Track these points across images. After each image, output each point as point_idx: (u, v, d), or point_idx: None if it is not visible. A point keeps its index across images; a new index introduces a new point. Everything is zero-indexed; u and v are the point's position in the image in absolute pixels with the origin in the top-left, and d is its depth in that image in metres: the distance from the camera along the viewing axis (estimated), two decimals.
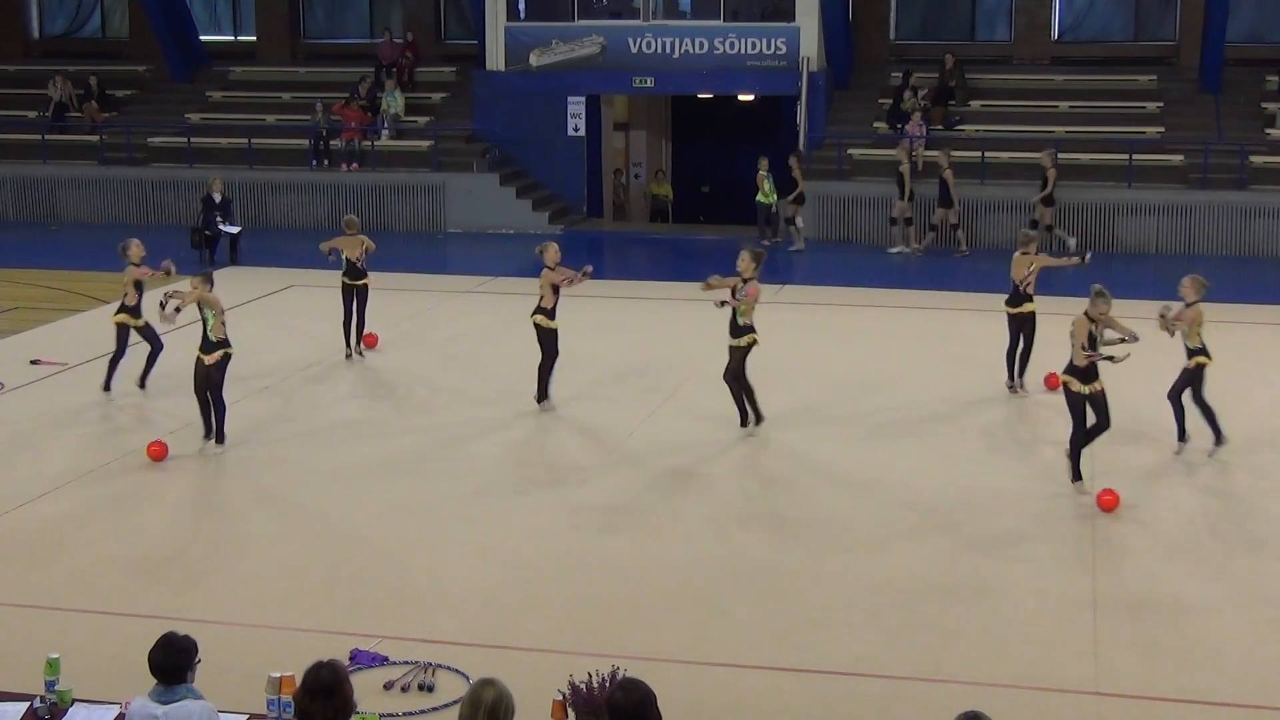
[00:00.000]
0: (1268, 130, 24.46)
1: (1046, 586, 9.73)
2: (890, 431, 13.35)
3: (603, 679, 6.50)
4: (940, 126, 25.12)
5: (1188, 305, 12.43)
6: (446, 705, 7.84)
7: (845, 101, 26.44)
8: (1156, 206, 23.46)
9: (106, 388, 14.32)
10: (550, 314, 13.68)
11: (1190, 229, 23.35)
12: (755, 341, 12.96)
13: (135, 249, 14.30)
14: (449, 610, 9.32)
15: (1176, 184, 23.90)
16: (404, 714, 7.80)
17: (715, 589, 9.71)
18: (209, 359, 12.37)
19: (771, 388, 14.70)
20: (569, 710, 6.53)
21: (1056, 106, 25.51)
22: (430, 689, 8.12)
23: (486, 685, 5.15)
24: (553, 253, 13.71)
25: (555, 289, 13.64)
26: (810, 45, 25.20)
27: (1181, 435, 12.58)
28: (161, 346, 14.33)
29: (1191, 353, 12.44)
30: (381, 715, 7.33)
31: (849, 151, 23.94)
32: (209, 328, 12.35)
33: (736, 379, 13.05)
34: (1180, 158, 24.11)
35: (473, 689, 5.18)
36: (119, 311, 14.34)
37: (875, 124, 25.80)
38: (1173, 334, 12.44)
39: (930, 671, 8.43)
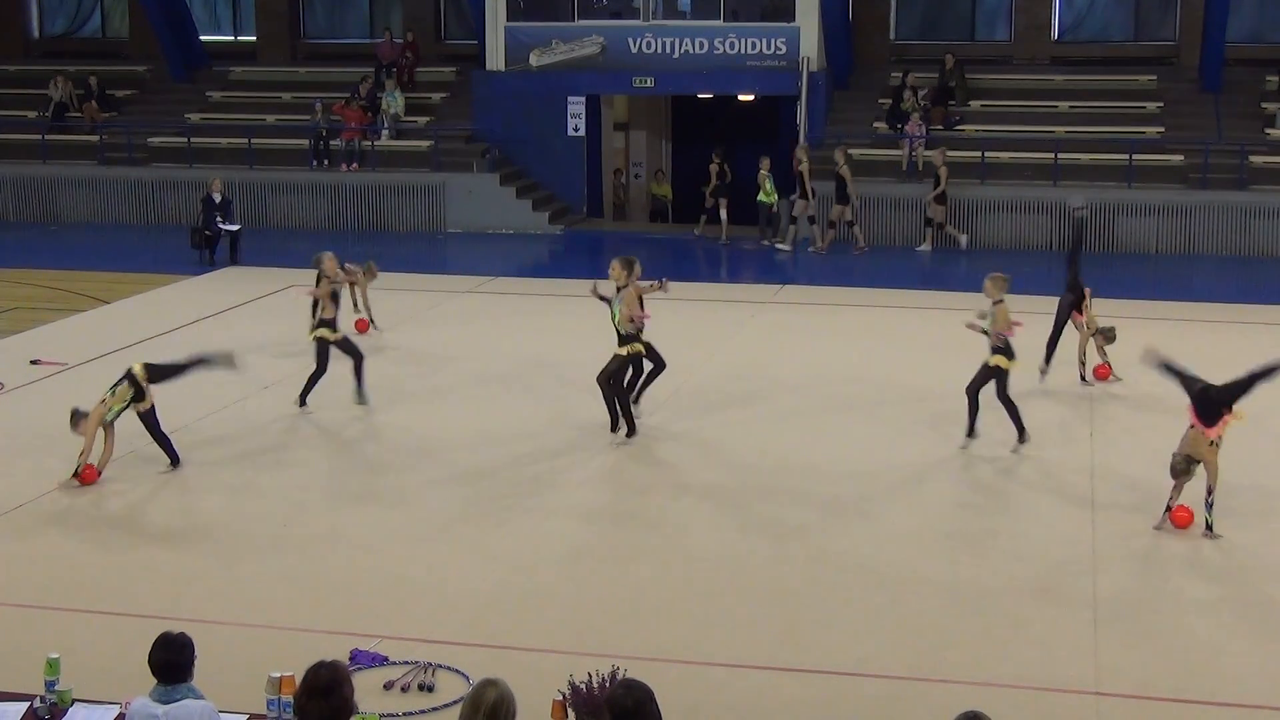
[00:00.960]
0: (1268, 130, 24.47)
1: (1046, 586, 9.73)
2: (890, 430, 13.34)
3: (603, 679, 6.51)
4: (940, 126, 25.13)
5: (995, 304, 12.39)
6: (446, 705, 7.84)
7: (845, 101, 26.44)
8: (1156, 206, 23.47)
9: (302, 403, 13.78)
10: (638, 335, 13.02)
11: (1190, 229, 23.37)
12: (638, 351, 12.85)
13: (330, 262, 13.95)
14: (449, 610, 9.32)
15: (1176, 184, 23.91)
16: (404, 714, 7.80)
17: (715, 589, 9.71)
18: (143, 407, 11.91)
19: (772, 385, 14.72)
20: (569, 710, 6.54)
21: (1056, 106, 25.52)
22: (430, 689, 8.12)
23: (489, 685, 5.15)
24: (635, 270, 13.05)
25: (640, 301, 13.02)
26: (810, 45, 25.19)
27: (971, 431, 12.57)
28: (362, 356, 13.95)
29: (993, 350, 12.41)
30: (381, 715, 7.32)
31: (849, 151, 23.92)
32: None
33: (610, 384, 12.84)
34: (1180, 158, 24.12)
35: (475, 689, 5.18)
36: (316, 327, 13.84)
37: (875, 124, 25.81)
38: (982, 331, 12.48)
39: (930, 671, 8.43)
